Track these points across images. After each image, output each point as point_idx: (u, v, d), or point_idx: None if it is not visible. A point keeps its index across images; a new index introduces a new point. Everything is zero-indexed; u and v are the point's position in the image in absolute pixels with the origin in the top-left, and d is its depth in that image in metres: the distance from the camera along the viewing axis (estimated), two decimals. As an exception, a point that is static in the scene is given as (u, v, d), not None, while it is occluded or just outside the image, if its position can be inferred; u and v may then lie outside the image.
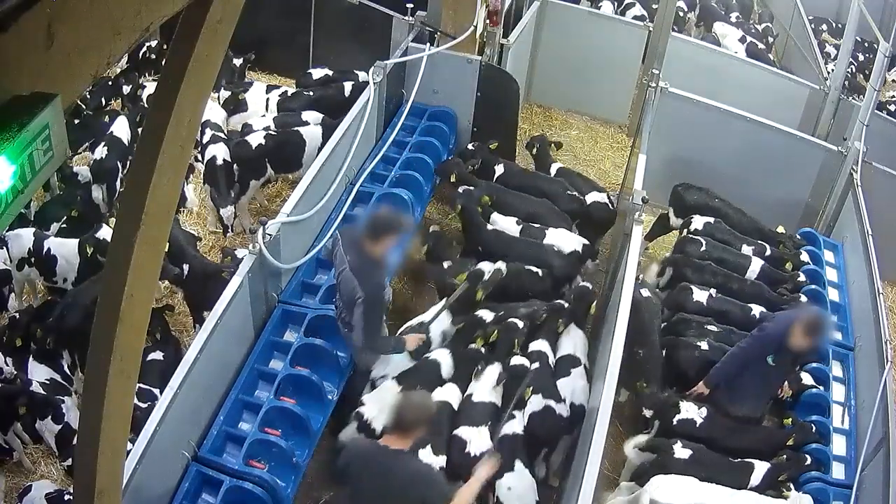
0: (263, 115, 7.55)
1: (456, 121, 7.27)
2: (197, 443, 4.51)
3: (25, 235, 6.07)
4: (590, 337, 5.70)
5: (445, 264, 5.91)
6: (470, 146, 6.97)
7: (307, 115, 7.36)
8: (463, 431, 4.81)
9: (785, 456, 4.98)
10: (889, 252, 6.52)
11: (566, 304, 5.65)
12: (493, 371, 5.09)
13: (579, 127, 9.02)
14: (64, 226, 6.59)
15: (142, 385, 5.16)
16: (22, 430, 5.15)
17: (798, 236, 6.85)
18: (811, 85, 8.20)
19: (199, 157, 7.17)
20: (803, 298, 6.06)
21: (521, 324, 5.35)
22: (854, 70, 10.46)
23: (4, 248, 6.11)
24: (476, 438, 4.76)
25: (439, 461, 4.63)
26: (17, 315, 5.85)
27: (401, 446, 3.76)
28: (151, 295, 2.89)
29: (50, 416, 5.11)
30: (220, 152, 6.78)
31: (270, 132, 7.00)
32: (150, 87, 7.98)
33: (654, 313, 5.67)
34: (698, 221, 6.57)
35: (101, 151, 6.94)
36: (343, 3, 8.09)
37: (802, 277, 6.28)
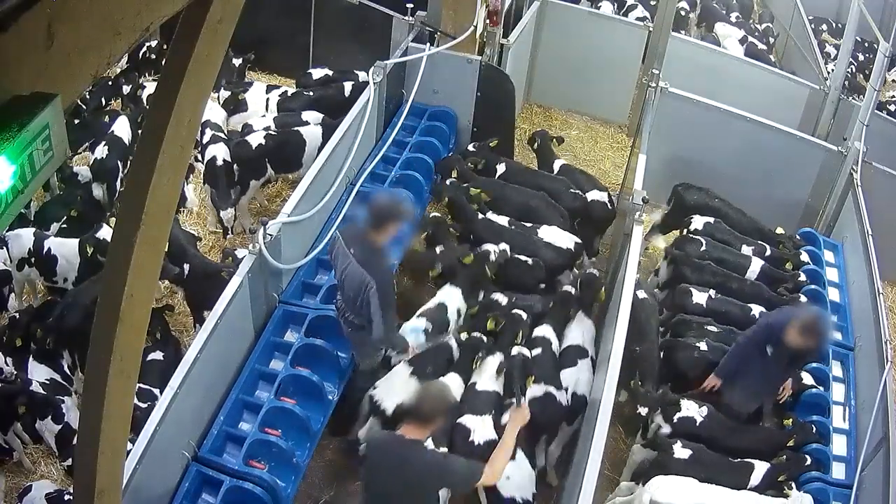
0: (263, 115, 7.56)
1: (456, 121, 7.27)
2: (197, 443, 4.51)
3: (25, 235, 6.07)
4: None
5: (438, 249, 5.98)
6: (471, 146, 6.98)
7: (307, 115, 7.36)
8: (467, 420, 4.84)
9: (785, 456, 4.98)
10: (889, 252, 6.52)
11: (573, 292, 5.70)
12: (495, 361, 5.14)
13: (579, 127, 9.02)
14: (64, 226, 6.59)
15: (142, 385, 5.16)
16: (22, 430, 5.15)
17: (798, 236, 6.85)
18: (811, 85, 8.19)
19: (199, 157, 7.17)
20: (803, 298, 6.06)
21: (525, 316, 5.41)
22: (854, 70, 10.46)
23: (4, 248, 6.11)
24: (480, 427, 4.79)
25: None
26: (17, 315, 5.85)
27: (419, 436, 3.78)
28: (151, 295, 2.89)
29: (50, 416, 5.11)
30: (220, 152, 6.78)
31: (270, 132, 7.00)
32: (150, 87, 7.98)
33: (650, 313, 5.67)
34: (698, 221, 6.57)
35: (101, 151, 6.95)
36: (343, 3, 8.08)
37: (802, 277, 6.28)
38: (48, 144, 1.85)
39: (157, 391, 5.15)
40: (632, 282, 5.08)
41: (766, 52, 10.15)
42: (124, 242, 2.54)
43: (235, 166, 6.82)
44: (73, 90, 1.99)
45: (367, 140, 6.45)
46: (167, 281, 6.22)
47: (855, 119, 6.99)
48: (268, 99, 7.76)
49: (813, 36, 9.80)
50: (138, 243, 2.52)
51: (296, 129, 7.08)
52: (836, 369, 5.78)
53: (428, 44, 6.99)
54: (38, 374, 5.41)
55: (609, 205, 6.75)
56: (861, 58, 11.01)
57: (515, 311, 5.43)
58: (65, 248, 6.04)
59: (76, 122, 7.49)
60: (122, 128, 7.18)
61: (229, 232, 6.85)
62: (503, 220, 6.27)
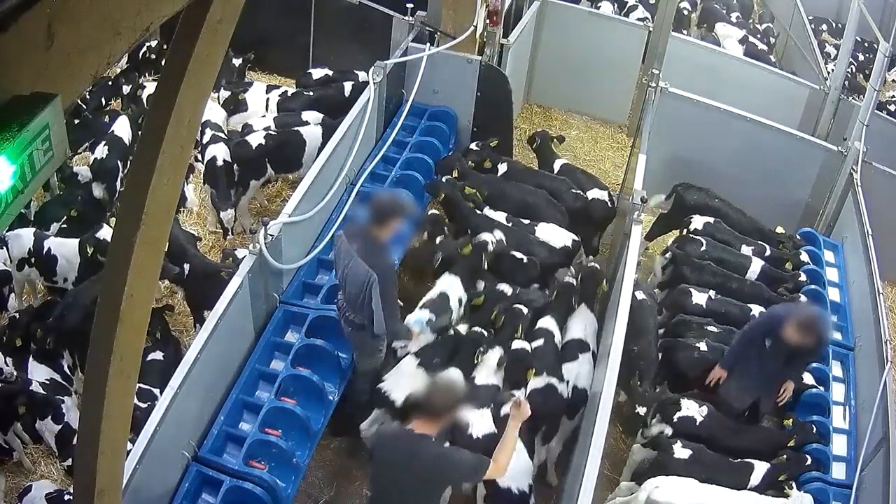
0: (263, 115, 7.56)
1: (456, 121, 7.26)
2: (197, 443, 4.51)
3: (25, 235, 6.07)
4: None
5: (438, 239, 6.04)
6: (473, 146, 6.99)
7: (307, 115, 7.36)
8: (466, 413, 4.82)
9: (785, 456, 4.98)
10: (889, 252, 6.52)
11: (575, 283, 5.74)
12: (495, 354, 5.16)
13: (579, 127, 9.02)
14: (64, 226, 6.59)
15: (142, 385, 5.17)
16: (22, 430, 5.15)
17: (798, 236, 6.85)
18: (811, 85, 8.19)
19: (199, 157, 7.17)
20: (803, 298, 6.06)
21: (525, 310, 5.44)
22: (854, 70, 10.46)
23: (4, 248, 6.11)
24: (479, 421, 4.79)
25: None
26: (17, 315, 5.85)
27: (429, 431, 3.80)
28: (151, 295, 2.89)
29: (50, 416, 5.11)
30: (220, 152, 6.77)
31: (270, 132, 7.00)
32: (150, 87, 7.98)
33: (648, 314, 5.68)
34: (698, 221, 6.57)
35: (101, 151, 6.94)
36: (343, 3, 8.08)
37: (803, 277, 6.28)
38: (48, 144, 1.85)
39: (157, 391, 5.15)
40: (631, 281, 5.09)
41: (767, 53, 10.15)
42: (124, 242, 2.54)
43: (235, 166, 6.82)
44: (73, 90, 1.99)
45: (368, 140, 6.44)
46: (167, 281, 6.22)
47: (855, 119, 7.00)
48: (268, 99, 7.76)
49: (813, 36, 9.80)
50: (138, 243, 2.52)
51: (296, 129, 7.08)
52: (836, 369, 5.78)
53: (428, 44, 6.99)
54: (38, 374, 5.42)
55: (609, 203, 6.76)
56: (861, 58, 11.01)
57: (516, 305, 5.47)
58: (65, 248, 6.04)
59: (76, 122, 7.49)
60: (122, 128, 7.18)
61: (229, 233, 6.85)
62: (500, 217, 6.30)
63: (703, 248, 6.30)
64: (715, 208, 6.74)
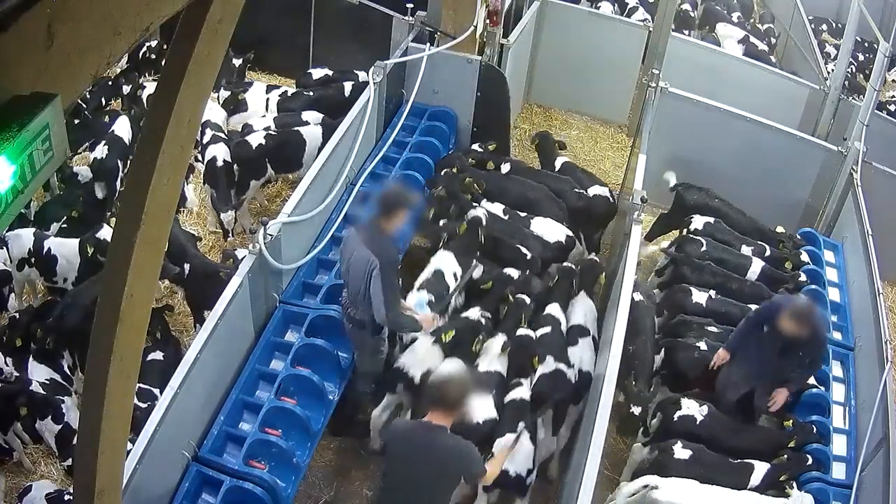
0: (263, 115, 7.55)
1: (456, 121, 7.27)
2: (197, 443, 4.51)
3: (25, 235, 6.07)
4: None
5: (441, 222, 6.12)
6: (476, 146, 6.99)
7: (307, 115, 7.35)
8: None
9: (786, 456, 4.98)
10: (889, 252, 6.52)
11: (575, 268, 5.82)
12: (499, 341, 5.24)
13: (579, 127, 9.02)
14: (64, 226, 6.59)
15: (142, 385, 5.16)
16: (22, 430, 5.14)
17: (798, 236, 6.85)
18: (811, 85, 8.19)
19: (200, 158, 7.16)
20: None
21: (528, 300, 5.52)
22: (854, 70, 10.46)
23: (4, 249, 6.11)
24: (480, 406, 4.82)
25: None
26: (17, 315, 5.85)
27: (444, 423, 3.86)
28: (151, 295, 2.89)
29: (50, 416, 5.11)
30: (220, 153, 6.77)
31: (270, 132, 7.00)
32: (150, 87, 7.98)
33: (645, 314, 5.69)
34: (698, 221, 6.58)
35: (101, 150, 6.94)
36: (343, 3, 8.08)
37: (803, 277, 6.28)
38: (48, 144, 1.85)
39: (157, 391, 5.15)
40: (631, 282, 5.09)
41: (767, 53, 10.15)
42: (124, 242, 2.54)
43: (235, 166, 6.82)
44: (73, 90, 1.99)
45: (368, 140, 6.44)
46: (167, 281, 6.22)
47: (855, 119, 7.00)
48: (268, 99, 7.76)
49: (813, 36, 9.80)
50: (138, 243, 2.52)
51: (296, 129, 7.08)
52: (836, 369, 5.78)
53: (428, 44, 6.99)
54: (38, 374, 5.41)
55: (611, 198, 6.81)
56: (861, 58, 11.01)
57: (519, 295, 5.54)
58: (65, 248, 6.03)
59: (76, 122, 7.49)
60: (122, 127, 7.18)
61: (230, 234, 6.84)
62: (498, 209, 6.35)
63: (704, 248, 6.30)
64: (715, 208, 6.74)
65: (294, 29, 8.69)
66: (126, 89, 8.19)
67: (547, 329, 5.40)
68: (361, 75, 7.69)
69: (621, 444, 5.70)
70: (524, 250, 6.03)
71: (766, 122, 7.19)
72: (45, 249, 6.02)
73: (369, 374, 5.29)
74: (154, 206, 2.51)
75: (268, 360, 5.13)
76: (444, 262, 5.63)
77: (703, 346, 5.49)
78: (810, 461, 5.00)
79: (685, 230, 6.61)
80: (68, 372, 5.57)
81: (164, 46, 8.47)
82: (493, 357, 5.20)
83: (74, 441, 3.96)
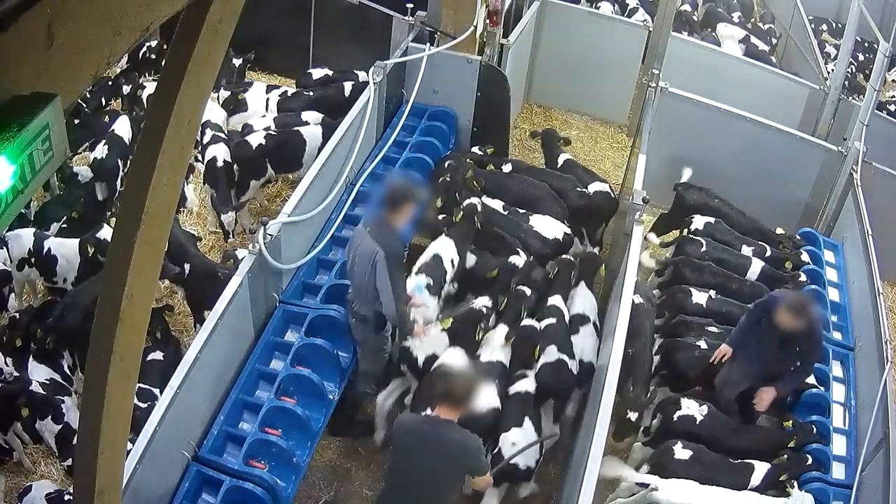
0: (263, 115, 7.55)
1: (456, 121, 7.26)
2: (197, 443, 4.51)
3: (25, 235, 6.07)
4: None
5: (441, 217, 6.17)
6: (476, 150, 7.00)
7: (307, 115, 7.36)
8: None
9: (786, 456, 4.98)
10: (889, 252, 6.52)
11: (574, 261, 5.90)
12: (502, 330, 5.32)
13: (579, 127, 9.02)
14: (64, 226, 6.59)
15: (142, 385, 5.17)
16: (22, 430, 5.14)
17: (798, 236, 6.85)
18: (811, 85, 8.19)
19: (200, 158, 7.16)
20: (803, 298, 6.06)
21: (529, 292, 5.58)
22: (854, 70, 10.45)
23: (4, 249, 6.11)
24: (483, 396, 4.80)
25: None
26: (17, 315, 5.85)
27: (451, 417, 3.90)
28: (151, 295, 2.89)
29: (50, 416, 5.11)
30: (220, 153, 6.77)
31: (271, 132, 7.00)
32: (150, 87, 7.98)
33: (645, 317, 5.69)
34: (699, 221, 6.58)
35: (101, 150, 6.94)
36: (343, 3, 8.09)
37: (803, 277, 6.28)
38: (48, 144, 1.85)
39: (157, 391, 5.15)
40: (632, 282, 5.09)
41: (767, 53, 10.15)
42: (124, 242, 2.54)
43: (235, 167, 6.81)
44: (73, 90, 1.99)
45: (367, 140, 6.44)
46: (167, 281, 6.22)
47: (855, 119, 6.99)
48: (268, 99, 7.76)
49: (813, 36, 9.80)
50: (138, 243, 2.52)
51: (296, 129, 7.08)
52: (836, 369, 5.78)
53: (428, 44, 6.99)
54: (38, 374, 5.41)
55: (612, 193, 6.85)
56: (861, 58, 11.01)
57: (520, 287, 5.60)
58: (65, 248, 6.03)
59: (76, 122, 7.49)
60: (122, 127, 7.18)
61: (230, 235, 6.84)
62: (497, 205, 6.39)
63: (704, 248, 6.30)
64: (715, 208, 6.74)
65: (294, 29, 8.69)
66: (126, 89, 8.18)
67: (552, 320, 5.47)
68: (361, 75, 7.69)
69: (621, 444, 5.69)
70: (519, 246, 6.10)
71: (766, 122, 7.18)
72: (45, 249, 6.02)
73: (371, 374, 5.30)
74: (154, 206, 2.51)
75: (268, 360, 5.13)
76: (444, 248, 5.70)
77: (703, 345, 5.48)
78: (810, 461, 5.00)
79: (685, 230, 6.61)
80: (68, 372, 5.57)
81: (164, 46, 8.47)
82: (495, 347, 5.27)
83: (74, 441, 3.96)
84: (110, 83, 8.20)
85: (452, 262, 5.69)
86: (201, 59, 2.40)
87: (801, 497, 4.69)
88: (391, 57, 6.80)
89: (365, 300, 4.86)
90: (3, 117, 1.73)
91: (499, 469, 4.62)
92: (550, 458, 5.38)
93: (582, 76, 8.81)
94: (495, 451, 4.84)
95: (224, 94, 7.80)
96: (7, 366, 5.50)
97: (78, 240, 5.99)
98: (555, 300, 5.63)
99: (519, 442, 4.79)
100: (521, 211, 6.40)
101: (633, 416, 5.19)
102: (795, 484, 4.84)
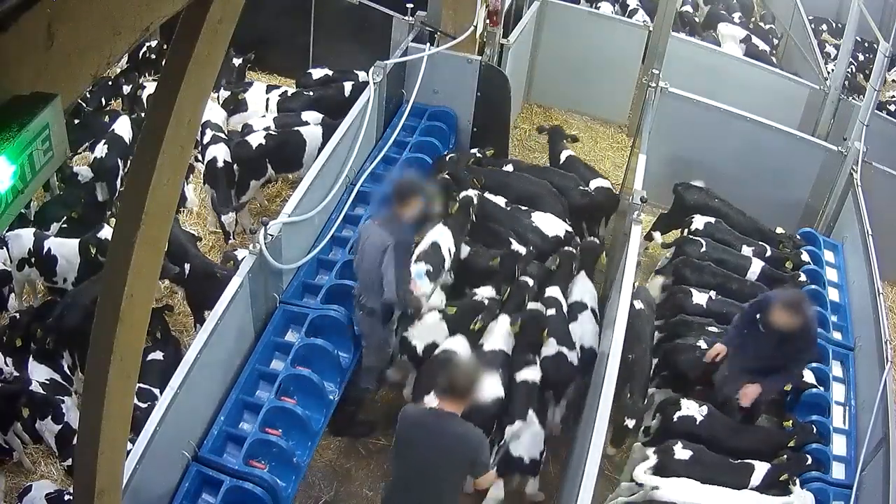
0: (263, 115, 7.55)
1: (456, 121, 7.27)
2: (197, 443, 4.51)
3: (25, 235, 6.07)
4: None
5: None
6: (476, 152, 7.01)
7: (307, 115, 7.36)
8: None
9: (786, 456, 4.98)
10: (889, 252, 6.52)
11: (575, 252, 5.96)
12: (503, 320, 5.37)
13: (579, 127, 9.01)
14: (64, 226, 6.59)
15: (142, 385, 5.16)
16: (22, 430, 5.15)
17: (798, 236, 6.85)
18: (811, 85, 8.19)
19: (200, 158, 7.16)
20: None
21: (531, 282, 5.62)
22: (854, 70, 10.45)
23: (4, 249, 6.11)
24: (487, 385, 4.84)
25: None
26: (17, 315, 5.85)
27: (455, 410, 3.92)
28: (151, 295, 2.89)
29: (50, 416, 5.11)
30: (220, 153, 6.77)
31: (271, 132, 7.00)
32: (150, 87, 7.98)
33: (645, 322, 5.69)
34: (699, 221, 6.58)
35: (101, 150, 6.95)
36: (343, 3, 8.09)
37: (803, 277, 6.28)
38: (48, 144, 1.85)
39: (157, 391, 5.14)
40: (631, 282, 5.08)
41: (768, 53, 10.15)
42: (124, 242, 2.54)
43: (236, 167, 6.81)
44: (73, 90, 1.99)
45: (368, 140, 6.44)
46: (167, 281, 6.22)
47: (855, 119, 7.00)
48: (268, 99, 7.76)
49: (813, 36, 9.80)
50: (138, 243, 2.52)
51: (296, 129, 7.08)
52: (836, 369, 5.78)
53: (428, 44, 6.99)
54: (38, 374, 5.41)
55: (613, 189, 6.90)
56: (861, 58, 11.00)
57: (522, 277, 5.65)
58: (65, 248, 6.03)
59: (76, 122, 7.49)
60: (122, 127, 7.18)
61: (231, 236, 6.84)
62: (500, 201, 6.43)
63: (703, 248, 6.30)
64: (715, 208, 6.75)
65: (294, 29, 8.69)
66: (126, 89, 8.18)
67: (551, 311, 5.51)
68: (361, 75, 7.69)
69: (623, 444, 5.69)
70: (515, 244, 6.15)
71: (766, 122, 7.18)
72: (45, 249, 6.02)
73: (374, 370, 5.31)
74: (154, 206, 2.51)
75: (268, 360, 5.13)
76: (441, 236, 5.78)
77: (703, 345, 5.48)
78: (810, 461, 5.00)
79: (685, 230, 6.61)
80: (68, 372, 5.56)
81: (164, 46, 8.47)
82: (497, 336, 5.30)
83: (74, 441, 3.96)
84: (110, 83, 8.20)
85: (449, 250, 5.78)
86: (201, 59, 2.40)
87: (801, 496, 4.69)
88: (391, 57, 6.80)
89: (373, 292, 4.93)
90: (3, 117, 1.73)
91: (501, 459, 4.64)
92: (550, 458, 5.38)
93: (582, 76, 8.81)
94: (501, 442, 4.85)
95: (224, 94, 7.80)
96: (7, 366, 5.50)
97: (78, 240, 5.99)
98: (552, 291, 5.68)
99: (523, 436, 4.82)
100: (524, 208, 6.43)
101: (630, 423, 5.18)
102: (798, 482, 4.84)
